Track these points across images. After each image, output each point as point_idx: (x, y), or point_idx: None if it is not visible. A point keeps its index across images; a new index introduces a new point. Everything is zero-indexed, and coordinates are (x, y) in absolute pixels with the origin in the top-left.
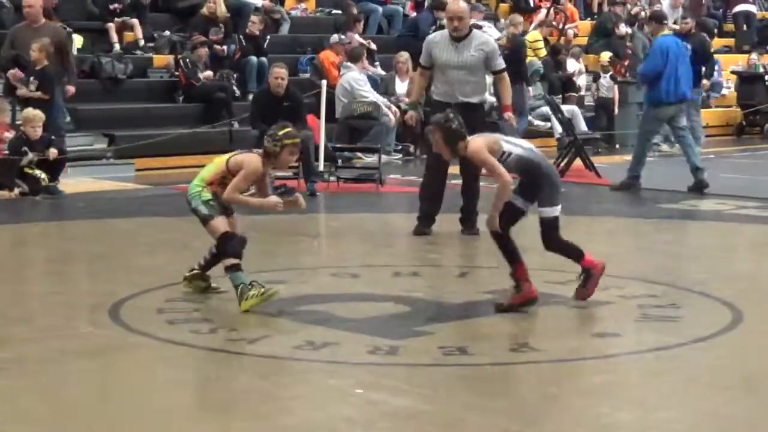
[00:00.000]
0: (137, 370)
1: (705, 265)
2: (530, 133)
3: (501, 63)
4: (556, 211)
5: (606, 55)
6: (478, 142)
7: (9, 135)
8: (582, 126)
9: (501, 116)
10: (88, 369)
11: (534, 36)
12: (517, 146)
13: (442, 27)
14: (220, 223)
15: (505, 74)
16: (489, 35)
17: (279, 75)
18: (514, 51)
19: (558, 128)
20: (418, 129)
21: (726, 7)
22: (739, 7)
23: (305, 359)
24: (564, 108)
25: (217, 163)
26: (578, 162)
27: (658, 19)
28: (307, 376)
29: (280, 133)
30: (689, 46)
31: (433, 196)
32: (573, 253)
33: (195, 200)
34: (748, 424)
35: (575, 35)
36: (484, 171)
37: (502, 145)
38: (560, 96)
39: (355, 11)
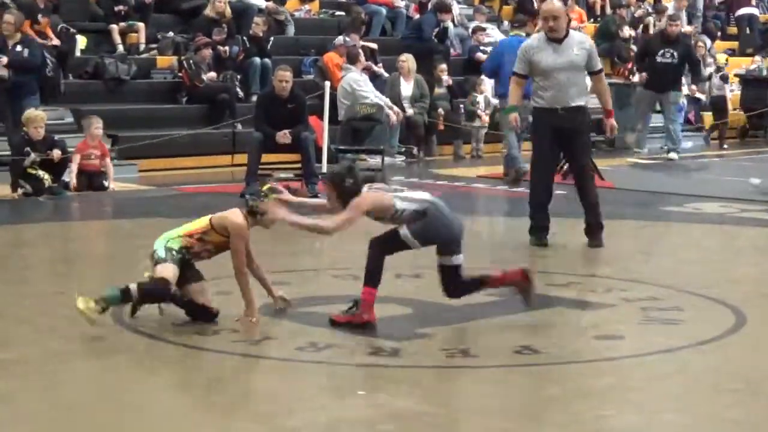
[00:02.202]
0: (140, 372)
1: (708, 268)
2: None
3: (599, 62)
4: (458, 260)
5: (722, 58)
6: (364, 197)
7: (95, 152)
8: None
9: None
10: (91, 370)
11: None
12: (412, 202)
13: (445, 29)
14: (169, 271)
15: (603, 75)
16: (586, 35)
17: (283, 78)
18: None
19: None
20: (521, 128)
21: (729, 10)
22: (743, 10)
23: (308, 361)
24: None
25: (200, 220)
26: None
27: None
28: (310, 378)
29: (264, 188)
30: (675, 52)
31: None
32: (476, 285)
33: (158, 243)
34: (751, 426)
35: None
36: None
37: (395, 203)
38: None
39: (359, 13)
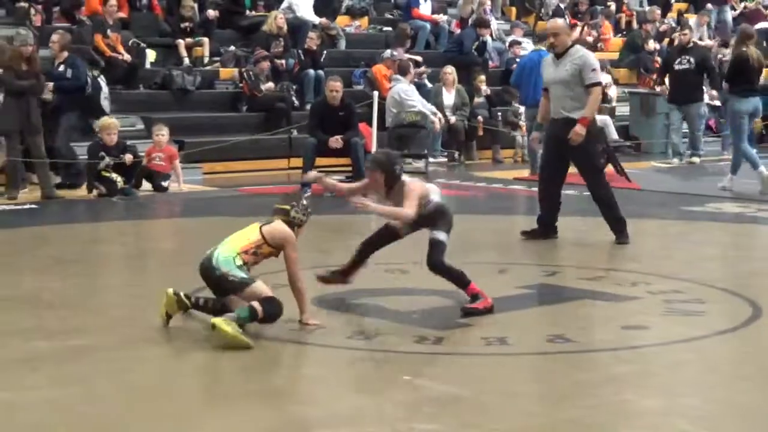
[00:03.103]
0: (201, 358)
1: (727, 264)
2: None
3: (593, 77)
4: (445, 237)
5: None
6: (416, 185)
7: (160, 155)
8: (613, 134)
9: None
10: (158, 356)
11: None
12: (435, 194)
13: (484, 43)
14: (262, 287)
15: (597, 89)
16: (585, 50)
17: (334, 88)
18: None
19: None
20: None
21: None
22: (759, 25)
23: (357, 348)
24: (597, 118)
25: (248, 232)
26: (609, 168)
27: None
28: (358, 364)
29: (305, 202)
30: (691, 59)
31: (549, 202)
32: (457, 278)
33: (227, 265)
34: (766, 411)
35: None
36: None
37: (429, 193)
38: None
39: (404, 29)
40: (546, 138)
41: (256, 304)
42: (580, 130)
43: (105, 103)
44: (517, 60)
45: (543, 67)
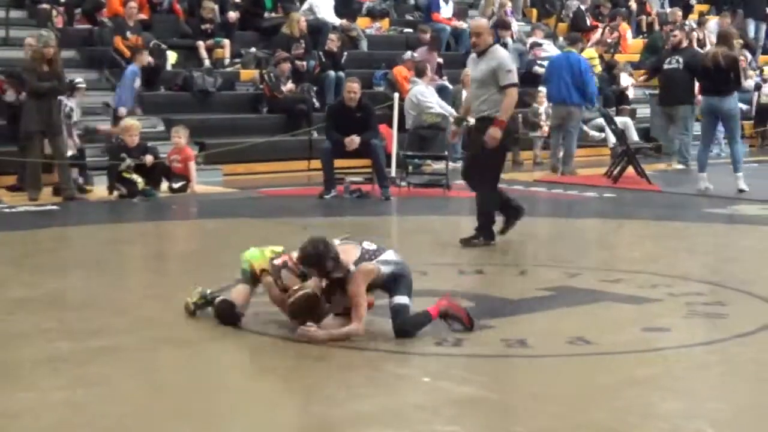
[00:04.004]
0: (224, 359)
1: (750, 266)
2: (586, 143)
3: (509, 78)
4: (407, 300)
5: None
6: (359, 275)
7: (177, 156)
8: (634, 136)
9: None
10: (179, 357)
11: (590, 53)
12: (388, 264)
13: (505, 45)
14: (235, 292)
15: (511, 90)
16: (503, 51)
17: (352, 89)
18: None
19: (612, 138)
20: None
21: None
22: None
23: (378, 350)
24: (617, 120)
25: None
26: (630, 169)
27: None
28: (380, 366)
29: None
30: (680, 59)
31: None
32: (421, 322)
33: (248, 254)
34: None
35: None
36: None
37: (379, 272)
38: (614, 108)
39: (425, 31)
40: (470, 135)
41: (220, 299)
42: (494, 133)
43: None
44: (538, 62)
45: (468, 65)
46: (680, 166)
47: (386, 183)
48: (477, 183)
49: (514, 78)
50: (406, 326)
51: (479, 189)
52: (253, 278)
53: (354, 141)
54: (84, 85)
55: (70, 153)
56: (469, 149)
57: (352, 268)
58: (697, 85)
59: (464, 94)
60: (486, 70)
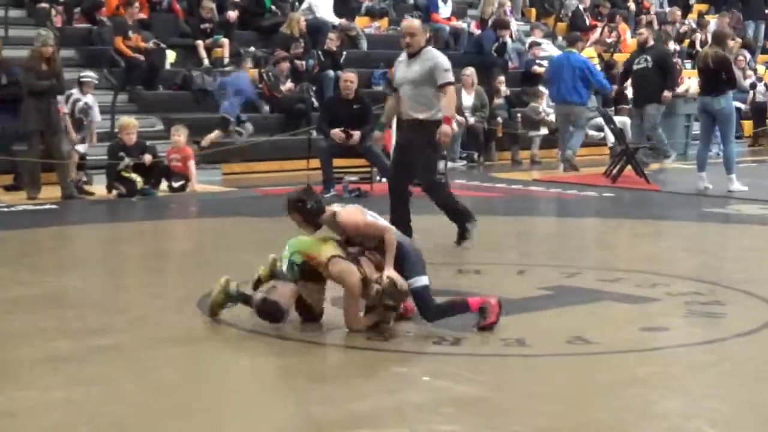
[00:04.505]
0: (222, 358)
1: (748, 266)
2: (585, 143)
3: (447, 77)
4: (424, 279)
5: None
6: (347, 211)
7: (177, 155)
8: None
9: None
10: (178, 356)
11: (589, 53)
12: (381, 222)
13: (504, 44)
14: (282, 289)
15: (451, 88)
16: (437, 51)
17: (348, 78)
18: None
19: (610, 138)
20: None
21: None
22: None
23: (376, 349)
24: (616, 119)
25: (323, 247)
26: (629, 169)
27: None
28: (379, 365)
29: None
30: (648, 58)
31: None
32: (457, 308)
33: (286, 250)
34: None
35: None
36: None
37: (366, 217)
38: (613, 108)
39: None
40: (396, 140)
41: (259, 295)
42: (447, 130)
43: None
44: (537, 61)
45: (395, 67)
46: (669, 162)
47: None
48: (427, 192)
49: (452, 77)
50: (434, 313)
51: (431, 192)
52: (307, 271)
53: (340, 134)
54: (89, 79)
55: (82, 150)
56: (397, 152)
57: (336, 208)
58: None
59: (464, 94)
60: (422, 70)
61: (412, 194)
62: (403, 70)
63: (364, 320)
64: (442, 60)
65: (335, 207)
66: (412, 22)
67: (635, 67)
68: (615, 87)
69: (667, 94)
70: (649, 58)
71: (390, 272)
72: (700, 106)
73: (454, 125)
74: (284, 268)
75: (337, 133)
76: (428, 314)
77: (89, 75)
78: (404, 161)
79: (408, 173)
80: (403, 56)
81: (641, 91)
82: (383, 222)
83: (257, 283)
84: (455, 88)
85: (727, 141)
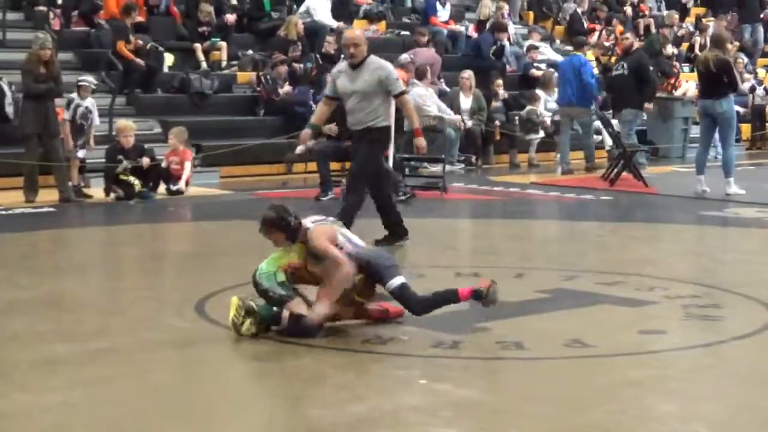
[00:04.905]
0: (220, 361)
1: (746, 269)
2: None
3: (399, 86)
4: (399, 279)
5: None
6: (318, 231)
7: (175, 158)
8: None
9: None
10: (176, 358)
11: (587, 56)
12: (351, 243)
13: (502, 47)
14: (299, 306)
15: (407, 97)
16: (383, 60)
17: None
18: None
19: (608, 141)
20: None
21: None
22: None
23: (374, 352)
24: (614, 122)
25: (293, 251)
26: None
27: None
28: (376, 368)
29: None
30: (625, 64)
31: None
32: (445, 299)
33: (268, 281)
34: None
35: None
36: None
37: (337, 238)
38: (611, 111)
39: (423, 34)
40: (354, 150)
41: (286, 313)
42: (420, 142)
43: (9, 110)
44: (535, 65)
45: (336, 77)
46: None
47: (397, 184)
48: (374, 194)
49: (403, 85)
50: (419, 308)
51: (375, 198)
52: (293, 280)
53: (332, 129)
54: (86, 83)
55: (81, 155)
56: (353, 159)
57: (309, 225)
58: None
59: (462, 97)
60: (371, 80)
61: (414, 196)
62: (347, 81)
63: (336, 306)
64: (391, 69)
65: (308, 222)
66: (354, 33)
67: (613, 72)
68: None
69: (647, 105)
70: (626, 64)
71: (319, 309)
72: (702, 109)
73: (457, 129)
74: (282, 292)
75: (328, 129)
76: (413, 308)
77: (86, 79)
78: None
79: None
80: (343, 66)
81: (617, 95)
82: (343, 255)
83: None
84: (453, 92)
85: (727, 144)
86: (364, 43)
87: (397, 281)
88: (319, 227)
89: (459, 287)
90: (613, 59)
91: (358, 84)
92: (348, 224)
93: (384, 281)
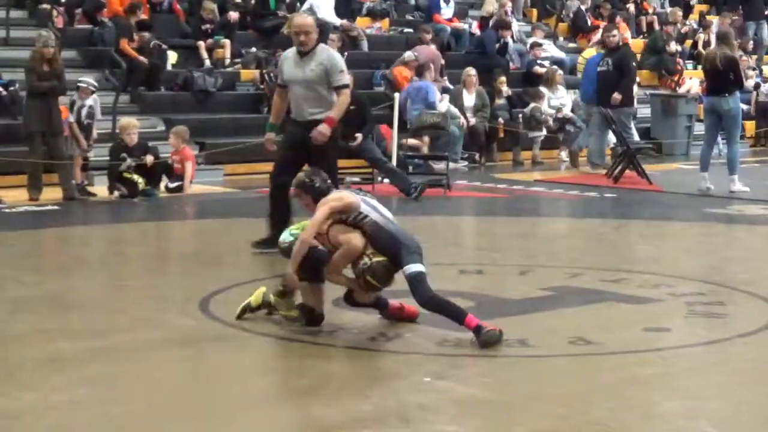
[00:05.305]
0: (225, 358)
1: (750, 266)
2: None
3: (341, 79)
4: (419, 266)
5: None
6: (332, 196)
7: (176, 157)
8: (634, 136)
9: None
10: (180, 357)
11: (590, 53)
12: (375, 211)
13: (505, 44)
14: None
15: (346, 91)
16: (332, 50)
17: None
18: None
19: (612, 138)
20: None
21: None
22: None
23: (379, 350)
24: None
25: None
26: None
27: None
28: (380, 365)
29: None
30: (609, 61)
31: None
32: (453, 313)
33: (283, 236)
34: None
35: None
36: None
37: (360, 206)
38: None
39: (428, 31)
40: (285, 140)
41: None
42: (324, 129)
43: None
44: (538, 62)
45: (283, 64)
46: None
47: (405, 183)
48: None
49: (347, 78)
50: (427, 298)
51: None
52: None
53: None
54: (84, 85)
55: (90, 154)
56: (286, 150)
57: (335, 191)
58: (696, 84)
59: (465, 94)
60: (318, 70)
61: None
62: (294, 68)
63: (344, 277)
64: (339, 60)
65: (343, 191)
66: (306, 20)
67: (598, 69)
68: None
69: (616, 95)
70: (610, 61)
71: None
72: (708, 106)
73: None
74: (284, 238)
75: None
76: (420, 298)
77: (86, 81)
78: (294, 160)
79: (295, 173)
80: (291, 53)
81: (603, 94)
82: (318, 213)
83: (244, 311)
84: (456, 90)
85: (732, 141)
86: (314, 30)
87: (416, 267)
88: (337, 193)
89: (470, 313)
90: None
91: (305, 72)
92: (281, 225)
93: (403, 263)
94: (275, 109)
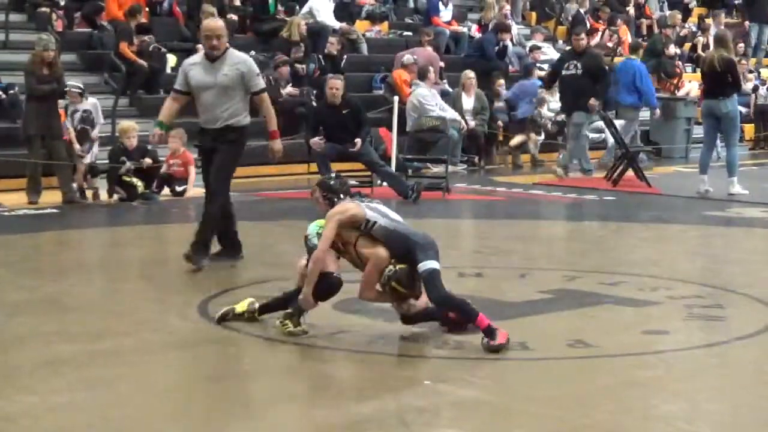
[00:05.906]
0: (224, 361)
1: (749, 269)
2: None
3: (259, 83)
4: (433, 264)
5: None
6: (337, 209)
7: (176, 161)
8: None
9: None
10: (180, 359)
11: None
12: (383, 216)
13: (505, 47)
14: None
15: (265, 96)
16: (244, 54)
17: (334, 86)
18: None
19: (610, 141)
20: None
21: None
22: None
23: (379, 352)
24: (617, 122)
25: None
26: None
27: None
28: (381, 368)
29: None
30: (578, 64)
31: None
32: (465, 312)
33: (310, 229)
34: None
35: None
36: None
37: (365, 214)
38: (614, 111)
39: (428, 34)
40: (199, 151)
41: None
42: (276, 146)
43: None
44: (538, 65)
45: (188, 69)
46: (561, 174)
47: (403, 186)
48: (214, 193)
49: (263, 82)
50: (442, 295)
51: (213, 200)
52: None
53: (318, 143)
54: (71, 89)
55: (88, 159)
56: (204, 160)
57: (346, 204)
58: (695, 86)
59: (464, 97)
60: (232, 74)
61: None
62: (204, 74)
63: (376, 292)
64: (253, 64)
65: (348, 202)
66: (217, 23)
67: (564, 72)
68: None
69: (593, 102)
70: (579, 64)
71: (304, 294)
72: (706, 109)
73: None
74: (315, 241)
75: (315, 141)
76: (433, 296)
77: (73, 85)
78: (209, 168)
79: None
80: (198, 58)
81: (568, 98)
82: (326, 231)
83: (226, 316)
84: (455, 93)
85: (731, 144)
86: (225, 34)
87: (430, 264)
88: (341, 206)
89: (482, 313)
90: (616, 60)
91: (217, 77)
92: (222, 233)
93: (417, 260)
94: (166, 111)
